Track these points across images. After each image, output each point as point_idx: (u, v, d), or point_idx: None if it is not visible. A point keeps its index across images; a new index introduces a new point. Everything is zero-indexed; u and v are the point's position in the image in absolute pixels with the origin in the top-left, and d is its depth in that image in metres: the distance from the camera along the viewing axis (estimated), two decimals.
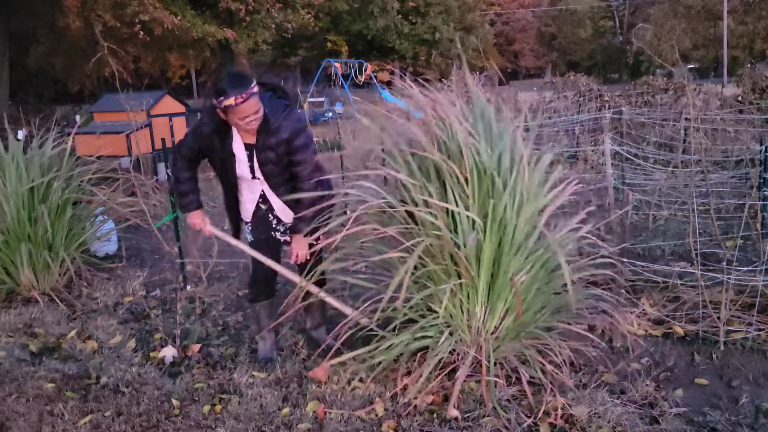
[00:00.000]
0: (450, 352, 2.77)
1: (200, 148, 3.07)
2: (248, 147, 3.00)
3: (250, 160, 3.01)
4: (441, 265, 2.66)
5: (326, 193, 2.93)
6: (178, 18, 18.42)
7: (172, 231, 4.49)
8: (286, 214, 3.14)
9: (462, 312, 2.76)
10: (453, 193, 2.61)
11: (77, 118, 14.29)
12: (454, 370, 2.74)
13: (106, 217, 5.02)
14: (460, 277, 2.63)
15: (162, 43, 20.64)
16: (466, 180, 2.59)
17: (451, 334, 2.74)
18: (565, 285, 2.84)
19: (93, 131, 8.68)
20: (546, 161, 2.80)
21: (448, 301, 2.66)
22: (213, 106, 2.85)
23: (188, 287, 4.35)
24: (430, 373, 2.67)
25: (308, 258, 3.09)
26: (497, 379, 2.67)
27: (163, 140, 5.26)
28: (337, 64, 22.80)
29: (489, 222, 2.57)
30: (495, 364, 2.69)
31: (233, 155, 3.03)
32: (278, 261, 3.15)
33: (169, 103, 9.85)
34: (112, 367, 3.13)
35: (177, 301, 3.65)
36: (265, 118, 2.87)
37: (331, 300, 3.07)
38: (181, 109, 10.11)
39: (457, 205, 2.58)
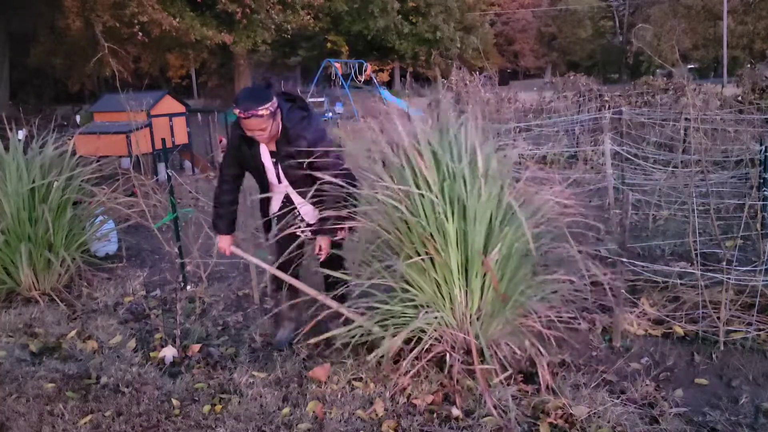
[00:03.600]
0: (437, 339, 2.81)
1: (238, 161, 3.26)
2: (273, 155, 3.18)
3: (276, 167, 3.19)
4: (409, 246, 2.77)
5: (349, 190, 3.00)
6: (177, 20, 18.43)
7: (172, 231, 4.49)
8: (310, 216, 3.28)
9: (442, 296, 2.79)
10: (414, 181, 2.75)
11: (77, 118, 14.29)
12: (444, 359, 2.79)
13: (106, 217, 5.02)
14: (434, 264, 2.71)
15: (161, 43, 20.66)
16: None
17: (434, 314, 2.77)
18: (541, 254, 2.89)
19: (93, 131, 8.65)
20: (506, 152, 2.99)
21: (420, 280, 2.76)
22: None
23: (188, 287, 4.35)
24: (419, 357, 2.72)
25: (329, 252, 3.20)
26: (491, 367, 2.69)
27: (163, 140, 5.26)
28: (337, 64, 22.79)
29: (447, 203, 2.69)
30: (487, 348, 2.74)
31: (262, 164, 3.22)
32: (300, 256, 3.30)
33: (169, 103, 9.81)
34: (112, 367, 3.13)
35: (177, 301, 3.65)
36: (284, 128, 3.07)
37: (304, 287, 3.21)
38: (181, 109, 10.06)
39: (418, 188, 2.72)
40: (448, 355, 2.78)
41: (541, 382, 2.71)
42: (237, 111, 2.95)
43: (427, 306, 2.80)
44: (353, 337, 2.88)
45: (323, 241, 3.18)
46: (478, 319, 2.80)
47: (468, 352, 2.78)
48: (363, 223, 2.92)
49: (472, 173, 2.71)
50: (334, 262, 3.23)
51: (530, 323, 2.84)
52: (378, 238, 2.89)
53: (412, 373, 2.78)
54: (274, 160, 3.17)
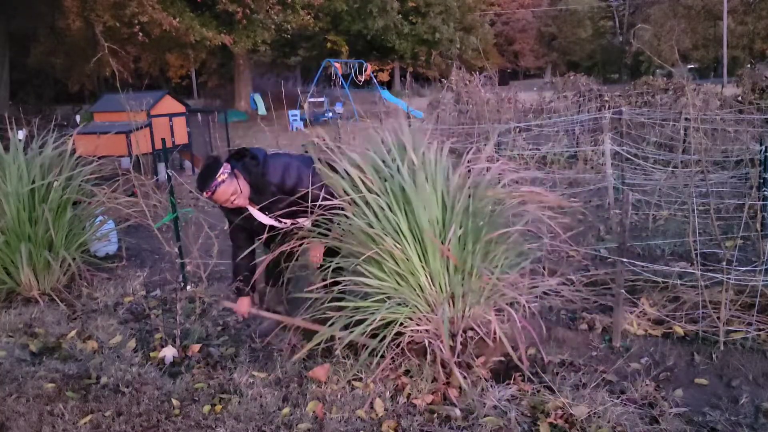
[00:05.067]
0: (416, 330, 2.83)
1: (241, 228, 3.37)
2: (262, 210, 3.29)
3: (273, 218, 3.30)
4: (369, 250, 2.83)
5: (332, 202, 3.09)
6: (177, 20, 18.42)
7: (172, 231, 4.49)
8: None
9: (412, 286, 2.83)
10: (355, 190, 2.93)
11: (77, 118, 14.29)
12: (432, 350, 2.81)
13: (106, 217, 5.01)
14: (393, 256, 2.80)
15: (161, 43, 20.65)
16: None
17: (406, 304, 2.83)
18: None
19: (93, 131, 8.65)
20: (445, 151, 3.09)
21: (384, 276, 2.83)
22: None
23: (188, 287, 4.35)
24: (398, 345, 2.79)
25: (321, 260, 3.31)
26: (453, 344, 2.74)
27: (163, 140, 5.26)
28: (337, 64, 22.79)
29: (392, 199, 2.82)
30: (471, 329, 2.81)
31: (259, 223, 3.33)
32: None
33: (169, 103, 9.80)
34: (112, 367, 3.13)
35: (177, 301, 3.65)
36: (250, 184, 3.17)
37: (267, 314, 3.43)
38: (181, 109, 10.05)
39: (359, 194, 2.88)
40: (427, 341, 2.80)
41: (523, 362, 2.74)
42: (204, 195, 3.09)
43: (398, 297, 2.85)
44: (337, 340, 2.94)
45: (316, 249, 3.28)
46: (452, 301, 2.83)
47: (451, 337, 2.81)
48: (329, 241, 3.09)
49: (409, 168, 2.86)
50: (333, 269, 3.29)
51: (506, 295, 2.86)
52: (349, 254, 3.01)
53: (395, 362, 2.83)
54: (266, 213, 3.28)
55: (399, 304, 2.82)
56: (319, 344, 2.92)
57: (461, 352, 2.84)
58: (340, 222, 3.01)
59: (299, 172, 3.19)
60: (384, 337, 2.78)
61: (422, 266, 2.81)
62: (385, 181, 2.91)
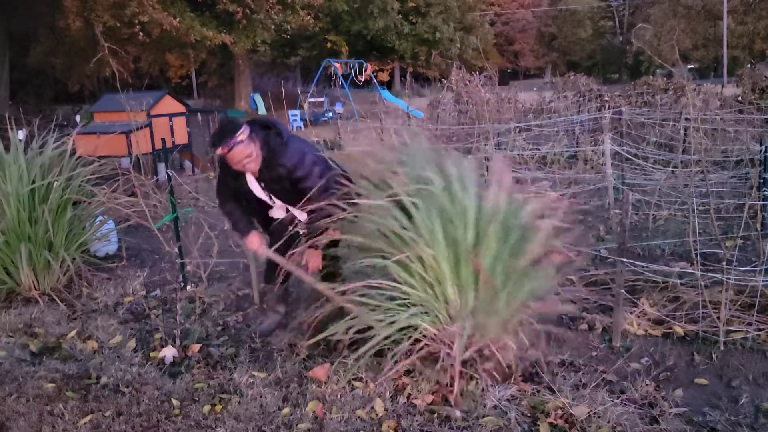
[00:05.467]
0: (433, 339, 2.80)
1: (232, 192, 3.40)
2: (259, 181, 3.28)
3: (266, 192, 3.31)
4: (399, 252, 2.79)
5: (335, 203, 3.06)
6: (177, 20, 18.42)
7: (172, 231, 4.49)
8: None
9: (436, 295, 2.80)
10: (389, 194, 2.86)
11: (77, 118, 14.28)
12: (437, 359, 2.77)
13: (106, 217, 5.01)
14: (422, 262, 2.75)
15: (161, 43, 20.65)
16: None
17: (428, 314, 2.80)
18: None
19: (93, 131, 8.64)
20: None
21: (413, 281, 2.78)
22: None
23: (188, 287, 4.35)
24: (410, 351, 2.76)
25: (320, 267, 3.28)
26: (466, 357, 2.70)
27: (163, 140, 5.26)
28: (337, 64, 22.80)
29: (422, 206, 2.76)
30: (487, 349, 2.77)
31: (251, 191, 3.34)
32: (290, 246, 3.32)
33: (169, 103, 9.79)
34: (112, 367, 3.13)
35: (177, 301, 3.65)
36: (265, 155, 3.15)
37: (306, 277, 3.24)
38: (181, 109, 10.04)
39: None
40: (442, 352, 2.77)
41: (544, 379, 2.71)
42: (220, 151, 3.06)
43: (421, 305, 2.81)
44: (351, 332, 2.88)
45: (312, 257, 3.23)
46: (473, 315, 2.80)
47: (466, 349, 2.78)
48: (352, 237, 3.04)
49: (443, 178, 2.82)
50: (329, 272, 3.30)
51: (529, 315, 2.83)
52: (370, 250, 2.95)
53: (404, 367, 2.80)
54: (263, 184, 3.28)
55: (423, 313, 2.79)
56: (324, 338, 2.90)
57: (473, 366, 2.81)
58: (353, 220, 2.95)
59: (311, 168, 3.17)
60: (398, 341, 2.76)
61: (452, 277, 2.75)
62: (418, 186, 2.84)
